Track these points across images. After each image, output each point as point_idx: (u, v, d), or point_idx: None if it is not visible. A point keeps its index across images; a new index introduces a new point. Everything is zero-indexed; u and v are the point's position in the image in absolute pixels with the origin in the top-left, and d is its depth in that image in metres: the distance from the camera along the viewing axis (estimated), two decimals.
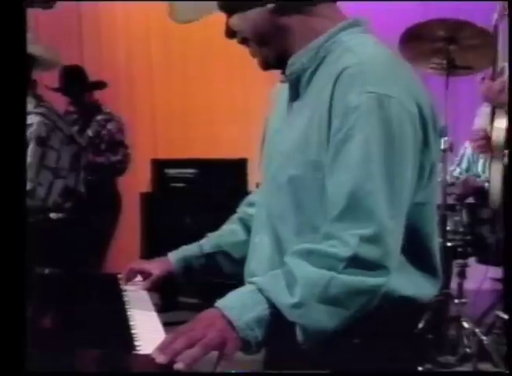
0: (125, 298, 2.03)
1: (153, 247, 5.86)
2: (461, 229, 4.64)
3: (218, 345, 1.47)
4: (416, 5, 6.56)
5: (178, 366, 1.41)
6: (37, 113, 3.54)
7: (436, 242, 1.78)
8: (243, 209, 2.15)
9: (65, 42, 6.99)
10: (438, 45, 4.57)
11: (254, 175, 5.80)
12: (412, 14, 5.97)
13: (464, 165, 4.47)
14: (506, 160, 3.55)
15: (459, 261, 4.75)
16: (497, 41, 3.69)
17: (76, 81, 5.92)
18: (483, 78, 3.70)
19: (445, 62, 4.59)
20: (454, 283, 4.78)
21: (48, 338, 1.66)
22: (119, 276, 2.21)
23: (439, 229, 4.48)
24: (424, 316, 4.33)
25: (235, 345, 1.49)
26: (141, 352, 1.55)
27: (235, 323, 1.50)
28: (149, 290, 2.09)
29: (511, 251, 3.79)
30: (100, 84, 6.07)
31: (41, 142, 3.50)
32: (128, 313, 1.88)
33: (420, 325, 4.44)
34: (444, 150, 4.45)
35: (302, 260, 1.57)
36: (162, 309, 2.03)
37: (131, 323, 1.79)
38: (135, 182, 6.35)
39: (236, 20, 1.77)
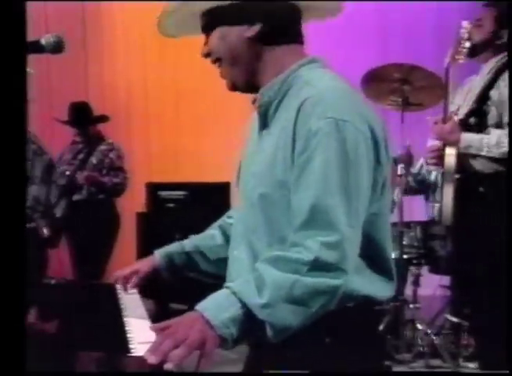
0: (121, 306, 2.00)
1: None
2: (415, 244, 4.68)
3: (199, 344, 1.46)
4: (376, 50, 6.61)
5: (168, 366, 1.40)
6: None
7: (390, 249, 1.78)
8: (223, 218, 2.16)
9: (73, 83, 7.01)
10: (394, 85, 4.65)
11: (236, 197, 5.78)
12: (372, 57, 6.01)
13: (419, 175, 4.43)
14: (455, 182, 3.56)
15: (414, 271, 4.77)
16: (448, 84, 3.70)
17: (82, 115, 5.93)
18: (435, 122, 3.70)
19: (400, 100, 4.67)
20: (409, 291, 4.80)
21: (53, 342, 1.63)
22: (116, 285, 2.17)
23: (397, 244, 4.51)
24: (384, 319, 4.35)
25: (214, 343, 1.49)
26: (135, 354, 1.53)
27: (212, 323, 1.49)
28: (139, 285, 2.09)
29: (459, 262, 3.81)
30: (103, 118, 6.08)
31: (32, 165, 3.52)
32: (124, 319, 1.85)
33: (381, 327, 4.49)
34: (399, 175, 4.47)
35: (270, 265, 1.57)
36: (155, 315, 1.99)
37: (127, 328, 1.76)
38: (132, 203, 6.35)
39: (216, 40, 1.78)
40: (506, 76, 3.52)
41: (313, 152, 1.60)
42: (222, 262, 1.96)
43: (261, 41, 1.76)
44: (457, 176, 3.56)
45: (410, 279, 4.79)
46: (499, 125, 3.51)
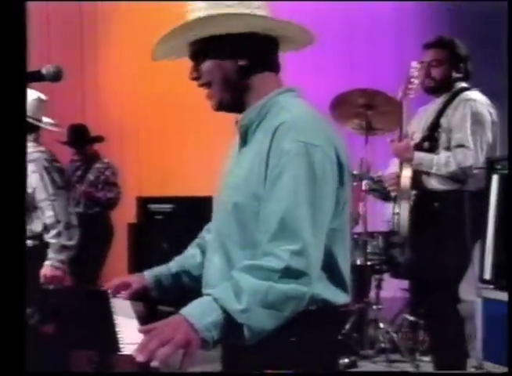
0: (113, 309, 1.98)
1: (138, 266, 5.78)
2: (378, 251, 4.72)
3: (184, 344, 1.46)
4: (342, 76, 6.66)
5: (155, 363, 1.40)
6: (38, 151, 3.60)
7: (347, 262, 1.78)
8: (202, 235, 2.13)
9: (71, 106, 6.99)
10: (358, 110, 4.62)
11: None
12: (338, 83, 6.04)
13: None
14: (411, 199, 3.63)
15: (377, 276, 4.80)
16: (402, 113, 3.78)
17: (80, 136, 5.92)
18: (392, 140, 3.77)
19: (364, 123, 4.65)
20: (373, 293, 4.81)
21: (50, 341, 1.62)
22: (108, 290, 2.15)
23: (362, 252, 4.54)
24: (350, 319, 4.37)
25: (197, 344, 1.49)
26: (124, 353, 1.53)
27: (196, 326, 1.49)
28: (130, 299, 2.06)
29: (415, 268, 3.84)
30: (99, 139, 6.07)
31: (47, 170, 3.55)
32: (115, 321, 1.84)
33: (347, 327, 4.50)
34: (364, 191, 4.51)
35: (246, 273, 1.58)
36: (143, 317, 1.98)
37: (117, 329, 1.75)
38: (124, 215, 6.33)
39: (210, 67, 1.79)
40: (453, 105, 3.63)
41: (284, 169, 1.63)
42: None
43: (248, 69, 1.79)
44: (413, 193, 3.63)
45: (374, 283, 4.81)
46: (448, 149, 3.61)
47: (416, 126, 3.82)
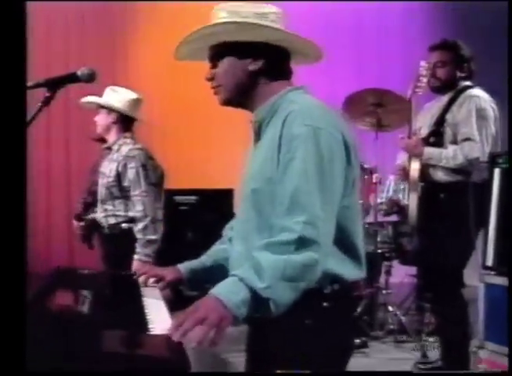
0: (142, 292, 2.01)
1: (164, 255, 5.81)
2: (387, 240, 4.71)
3: (217, 323, 1.49)
4: (353, 76, 6.64)
5: (192, 344, 1.44)
6: (137, 149, 3.66)
7: (360, 238, 1.79)
8: (227, 232, 2.12)
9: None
10: (369, 108, 4.65)
11: (238, 201, 5.83)
12: (349, 82, 6.03)
13: (389, 193, 4.50)
14: (419, 190, 3.63)
15: (386, 263, 4.80)
16: (411, 110, 3.78)
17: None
18: (402, 137, 3.78)
19: (374, 121, 4.67)
20: (382, 279, 4.81)
21: (86, 322, 1.64)
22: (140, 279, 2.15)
23: (373, 241, 4.54)
24: (361, 303, 4.38)
25: (228, 321, 1.51)
26: (153, 333, 1.55)
27: (227, 305, 1.52)
28: (163, 290, 2.05)
29: (423, 256, 3.84)
30: None
31: (144, 168, 3.61)
32: (144, 303, 1.86)
33: (359, 310, 4.51)
34: (375, 183, 4.52)
35: (264, 251, 1.60)
36: (170, 300, 2.01)
37: (146, 310, 1.78)
38: None
39: (223, 69, 1.83)
40: (458, 102, 3.62)
41: (294, 152, 1.66)
42: None
43: (260, 74, 1.83)
44: (421, 184, 3.63)
45: (383, 269, 4.81)
46: (453, 143, 3.60)
47: (423, 121, 3.81)
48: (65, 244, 7.79)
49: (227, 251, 2.05)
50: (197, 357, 1.57)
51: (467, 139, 3.53)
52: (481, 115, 3.54)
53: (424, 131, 3.74)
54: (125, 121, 3.77)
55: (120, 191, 3.62)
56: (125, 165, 3.60)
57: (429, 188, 3.64)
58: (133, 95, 3.79)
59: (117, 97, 3.74)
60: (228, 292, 1.55)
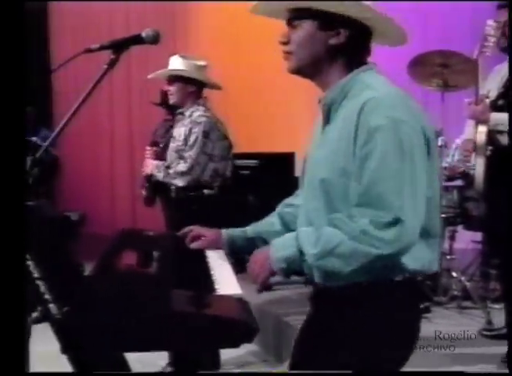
0: (206, 253, 2.02)
1: (225, 219, 5.83)
2: (452, 205, 4.61)
3: (257, 273, 1.66)
4: (417, 37, 6.46)
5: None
6: (204, 116, 3.70)
7: (439, 228, 1.74)
8: (282, 207, 2.10)
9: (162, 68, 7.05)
10: (435, 69, 4.58)
11: (299, 165, 5.84)
12: (412, 44, 5.86)
13: (455, 158, 4.41)
14: (486, 155, 3.52)
15: (451, 228, 4.72)
16: (478, 72, 3.66)
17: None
18: (469, 103, 3.67)
19: (440, 82, 4.60)
20: (446, 244, 4.73)
21: (153, 282, 1.66)
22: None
23: None
24: None
25: (268, 274, 1.64)
26: (219, 293, 1.56)
27: (271, 257, 1.63)
28: (202, 247, 2.06)
29: (489, 221, 3.75)
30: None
31: (205, 135, 3.64)
32: (209, 264, 1.87)
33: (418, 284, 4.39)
34: (440, 146, 4.42)
35: (329, 225, 1.61)
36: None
37: (212, 271, 1.79)
38: None
39: (301, 37, 1.73)
40: None
41: (374, 145, 1.58)
42: None
43: (338, 50, 1.72)
44: (489, 148, 3.53)
45: (447, 234, 4.73)
46: None
47: (492, 84, 3.69)
48: (128, 207, 7.95)
49: (274, 226, 2.05)
50: (260, 320, 1.58)
51: None
52: None
53: (493, 94, 3.62)
54: (200, 89, 3.84)
55: None
56: (190, 129, 3.67)
57: (496, 152, 3.54)
58: (203, 62, 3.86)
59: (192, 65, 3.81)
60: (279, 245, 1.64)
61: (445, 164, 4.42)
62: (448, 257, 4.61)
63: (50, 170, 5.66)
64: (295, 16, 1.74)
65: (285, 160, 6.01)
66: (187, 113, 3.79)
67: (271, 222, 2.07)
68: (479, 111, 3.57)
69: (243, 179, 6.03)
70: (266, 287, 1.66)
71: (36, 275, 1.46)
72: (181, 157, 3.70)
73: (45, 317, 1.44)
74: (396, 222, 1.53)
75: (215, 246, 2.05)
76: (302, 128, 7.10)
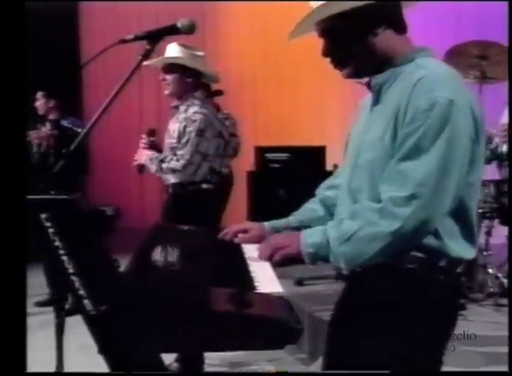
0: (243, 249, 1.95)
1: (256, 211, 5.87)
2: (489, 199, 4.51)
3: (281, 247, 1.69)
4: (452, 26, 6.34)
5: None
6: (200, 113, 3.51)
7: (476, 216, 1.69)
8: (322, 192, 2.06)
9: None
10: (473, 60, 4.49)
11: (330, 159, 5.82)
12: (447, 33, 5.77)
13: (491, 146, 4.31)
14: None
15: (487, 223, 4.61)
16: None
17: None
18: None
19: (478, 73, 4.50)
20: (482, 240, 4.63)
21: (192, 279, 1.60)
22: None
23: None
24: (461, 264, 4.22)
25: (291, 250, 1.68)
26: (260, 291, 1.50)
27: (300, 241, 1.66)
28: (247, 243, 2.01)
29: None
30: (219, 92, 6.03)
31: (199, 133, 3.48)
32: (247, 260, 1.81)
33: (458, 271, 4.31)
34: None
35: (356, 213, 1.63)
36: None
37: (251, 268, 1.72)
38: (243, 164, 6.36)
39: (344, 41, 1.70)
40: None
41: (418, 125, 1.55)
42: None
43: (383, 39, 1.69)
44: None
45: (484, 230, 4.63)
46: None
47: None
48: (158, 200, 7.95)
49: (316, 212, 2.01)
50: None
51: None
52: None
53: None
54: (197, 80, 3.64)
55: None
56: (185, 127, 3.50)
57: None
58: (201, 53, 3.64)
59: (189, 54, 3.60)
60: (311, 232, 1.69)
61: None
62: (484, 253, 4.52)
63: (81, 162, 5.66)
64: (325, 27, 1.71)
65: (316, 154, 6.01)
66: (182, 108, 3.60)
67: (312, 208, 2.03)
68: None
69: (273, 173, 6.02)
70: (281, 262, 1.69)
71: (70, 270, 1.42)
72: (175, 154, 3.54)
73: (77, 310, 1.41)
74: (413, 197, 1.52)
75: (259, 240, 1.97)
76: (333, 122, 7.05)
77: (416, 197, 1.52)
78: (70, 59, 7.34)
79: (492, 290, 4.37)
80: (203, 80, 3.75)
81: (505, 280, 4.34)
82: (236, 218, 6.04)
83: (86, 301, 1.40)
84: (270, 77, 7.44)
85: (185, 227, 2.20)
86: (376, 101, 1.74)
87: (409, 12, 1.83)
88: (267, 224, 2.04)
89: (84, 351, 2.54)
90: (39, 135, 4.86)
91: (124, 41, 1.95)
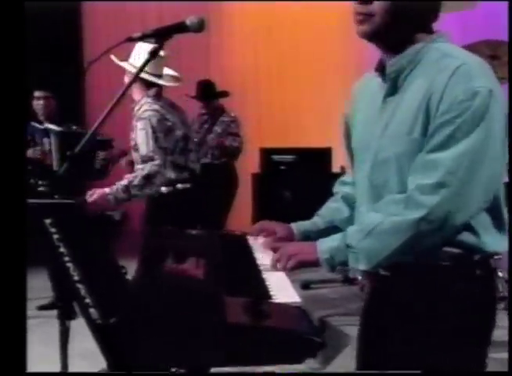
0: (256, 255, 1.85)
1: (261, 213, 5.82)
2: None
3: (295, 254, 1.65)
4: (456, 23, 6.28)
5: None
6: (150, 110, 3.45)
7: (505, 207, 1.63)
8: (341, 189, 1.96)
9: (196, 63, 7.00)
10: (485, 60, 4.36)
11: (336, 160, 5.76)
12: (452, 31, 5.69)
13: None
14: None
15: None
16: None
17: (207, 91, 5.87)
18: None
19: None
20: None
21: (203, 287, 1.52)
22: (248, 235, 2.03)
23: None
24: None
25: (306, 257, 1.63)
26: (276, 301, 1.42)
27: (317, 247, 1.62)
28: (274, 246, 1.88)
29: None
30: (224, 94, 6.01)
31: (153, 130, 3.42)
32: (260, 267, 1.72)
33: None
34: None
35: (377, 209, 1.59)
36: None
37: (265, 276, 1.63)
38: (248, 166, 6.32)
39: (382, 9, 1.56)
40: None
41: (454, 114, 1.48)
42: None
43: (412, 15, 1.59)
44: None
45: None
46: None
47: None
48: None
49: (341, 211, 1.91)
50: None
51: None
52: None
53: None
54: (145, 79, 3.48)
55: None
56: (136, 127, 3.43)
57: None
58: (164, 53, 3.45)
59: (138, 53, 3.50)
60: (328, 238, 1.64)
61: None
62: (495, 256, 4.44)
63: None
64: None
65: (322, 156, 5.99)
66: (136, 108, 3.52)
67: (337, 208, 1.94)
68: None
69: (279, 175, 5.98)
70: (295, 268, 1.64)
71: (76, 278, 1.35)
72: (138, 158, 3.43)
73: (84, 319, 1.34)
74: (441, 185, 1.47)
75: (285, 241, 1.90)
76: (339, 124, 6.97)
77: (445, 186, 1.47)
78: (73, 60, 7.29)
79: (502, 294, 4.28)
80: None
81: None
82: (241, 220, 6.03)
83: (92, 310, 1.33)
84: (274, 78, 7.41)
85: (193, 231, 2.12)
86: (391, 90, 1.64)
87: None
88: (295, 226, 1.94)
89: (86, 356, 2.49)
90: (35, 155, 4.68)
91: (131, 40, 1.90)
